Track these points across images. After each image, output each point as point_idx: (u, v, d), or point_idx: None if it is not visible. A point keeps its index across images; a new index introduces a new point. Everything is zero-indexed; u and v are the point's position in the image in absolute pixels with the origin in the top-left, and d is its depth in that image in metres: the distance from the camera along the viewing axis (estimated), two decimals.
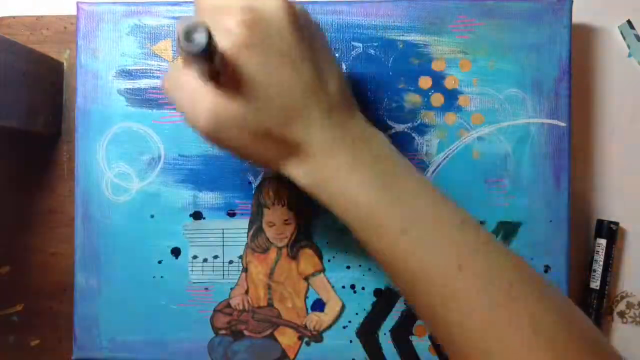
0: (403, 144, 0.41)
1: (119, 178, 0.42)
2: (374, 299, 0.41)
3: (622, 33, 0.45)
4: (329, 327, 0.41)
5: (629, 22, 0.45)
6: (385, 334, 0.41)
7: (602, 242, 0.44)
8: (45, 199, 0.46)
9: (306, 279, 0.42)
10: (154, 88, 0.42)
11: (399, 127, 0.41)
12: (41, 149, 0.46)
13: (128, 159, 0.42)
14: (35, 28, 0.47)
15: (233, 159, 0.41)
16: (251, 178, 0.42)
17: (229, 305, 0.41)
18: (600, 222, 0.44)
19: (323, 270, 0.41)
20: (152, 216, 0.42)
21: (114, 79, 0.42)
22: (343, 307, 0.41)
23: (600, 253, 0.44)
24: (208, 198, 0.42)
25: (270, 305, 0.42)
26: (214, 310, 0.41)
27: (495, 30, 0.41)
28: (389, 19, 0.41)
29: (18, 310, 0.46)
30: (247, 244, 0.42)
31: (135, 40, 0.42)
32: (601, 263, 0.44)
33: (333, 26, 0.41)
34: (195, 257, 0.42)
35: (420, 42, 0.41)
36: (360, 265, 0.41)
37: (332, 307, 0.41)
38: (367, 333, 0.41)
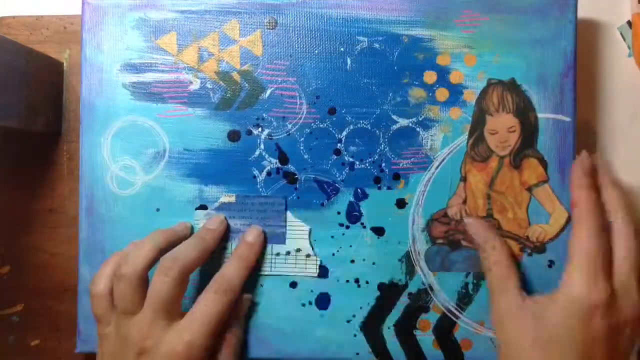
0: (408, 138, 0.41)
1: (124, 171, 0.42)
2: (378, 293, 0.41)
3: (621, 34, 0.45)
4: (554, 238, 0.40)
5: (628, 22, 0.45)
6: (389, 328, 0.41)
7: None
8: (45, 198, 0.46)
9: (529, 189, 0.40)
10: (158, 82, 0.42)
11: (404, 122, 0.41)
12: (41, 149, 0.46)
13: (133, 153, 0.42)
14: (35, 28, 0.47)
15: (238, 153, 0.41)
16: (256, 172, 0.42)
17: (446, 215, 0.41)
18: None
19: (547, 180, 0.40)
20: (157, 210, 0.41)
21: (118, 73, 0.42)
22: (569, 219, 0.40)
23: None
24: (213, 192, 0.42)
25: (489, 215, 0.41)
26: (431, 219, 0.41)
27: (501, 25, 0.41)
28: (394, 13, 0.41)
29: (18, 310, 0.46)
30: (466, 152, 0.41)
31: (140, 34, 0.42)
32: None
33: (338, 20, 0.41)
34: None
35: (426, 37, 0.41)
36: (364, 260, 0.41)
37: (557, 219, 0.40)
38: (371, 327, 0.41)
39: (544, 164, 0.40)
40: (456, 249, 0.41)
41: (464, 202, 0.41)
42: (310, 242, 0.42)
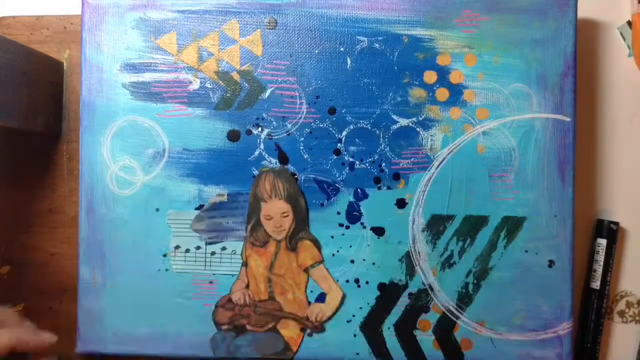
0: (408, 138, 0.41)
1: (123, 171, 0.42)
2: (378, 293, 0.41)
3: (621, 34, 0.45)
4: (331, 317, 0.41)
5: (628, 22, 0.45)
6: (389, 328, 0.41)
7: (602, 242, 0.44)
8: (45, 199, 0.46)
9: (306, 270, 0.41)
10: (158, 82, 0.42)
11: (404, 122, 0.41)
12: (41, 149, 0.46)
13: (133, 153, 0.42)
14: (35, 28, 0.47)
15: (238, 153, 0.41)
16: (256, 172, 0.42)
17: (230, 301, 0.41)
18: (600, 222, 0.44)
19: (322, 261, 0.41)
20: (157, 210, 0.42)
21: (118, 73, 0.42)
22: (344, 297, 0.41)
23: (600, 253, 0.44)
24: (213, 192, 0.41)
25: (271, 298, 0.42)
26: (216, 306, 0.41)
27: (501, 25, 0.41)
28: (394, 13, 0.41)
29: (18, 310, 0.46)
30: (246, 237, 0.42)
31: (139, 33, 0.42)
32: (601, 263, 0.44)
33: (338, 20, 0.41)
34: (198, 247, 0.42)
35: (426, 37, 0.41)
36: (364, 260, 0.41)
37: (333, 297, 0.41)
38: (371, 327, 0.41)
39: (317, 245, 0.41)
40: (241, 333, 0.41)
41: (247, 286, 0.41)
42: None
